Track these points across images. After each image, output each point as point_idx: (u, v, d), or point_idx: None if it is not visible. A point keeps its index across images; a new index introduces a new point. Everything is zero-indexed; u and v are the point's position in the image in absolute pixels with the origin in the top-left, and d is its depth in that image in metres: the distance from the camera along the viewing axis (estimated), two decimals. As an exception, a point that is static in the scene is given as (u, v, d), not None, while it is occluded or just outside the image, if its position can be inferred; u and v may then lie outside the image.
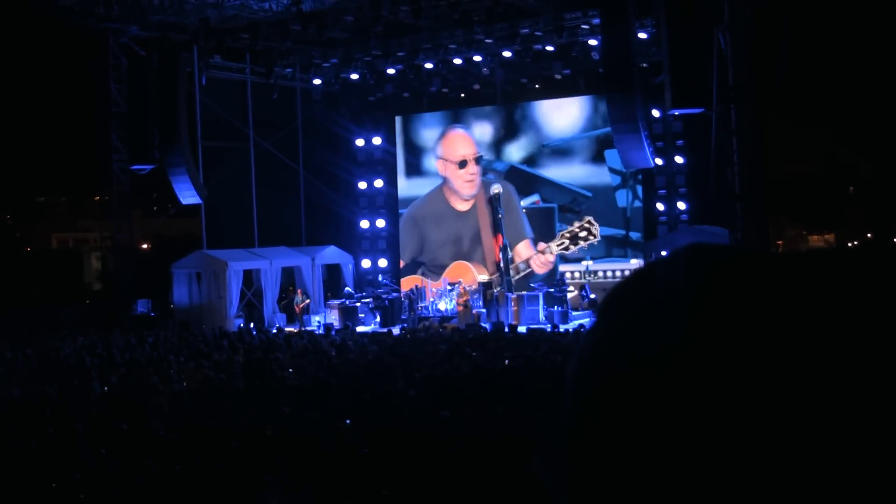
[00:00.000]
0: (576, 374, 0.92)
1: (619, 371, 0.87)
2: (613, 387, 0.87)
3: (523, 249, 31.16)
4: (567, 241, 28.48)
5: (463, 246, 30.88)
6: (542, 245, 28.97)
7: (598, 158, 32.72)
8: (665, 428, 0.82)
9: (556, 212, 32.36)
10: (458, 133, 31.58)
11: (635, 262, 31.50)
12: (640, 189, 32.14)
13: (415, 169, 35.67)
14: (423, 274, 32.31)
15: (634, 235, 32.14)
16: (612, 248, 32.29)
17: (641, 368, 0.85)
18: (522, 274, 29.72)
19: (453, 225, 31.25)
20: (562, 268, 31.37)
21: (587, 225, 28.20)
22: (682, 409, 0.82)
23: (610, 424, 0.86)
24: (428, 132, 35.42)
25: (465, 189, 31.31)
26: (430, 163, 34.98)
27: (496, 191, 30.23)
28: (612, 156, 31.98)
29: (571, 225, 29.86)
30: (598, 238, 28.49)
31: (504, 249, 29.64)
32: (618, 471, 0.85)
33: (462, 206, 31.69)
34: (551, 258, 28.85)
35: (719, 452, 0.80)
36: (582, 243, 28.34)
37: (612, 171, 32.36)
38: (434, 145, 32.44)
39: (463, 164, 30.59)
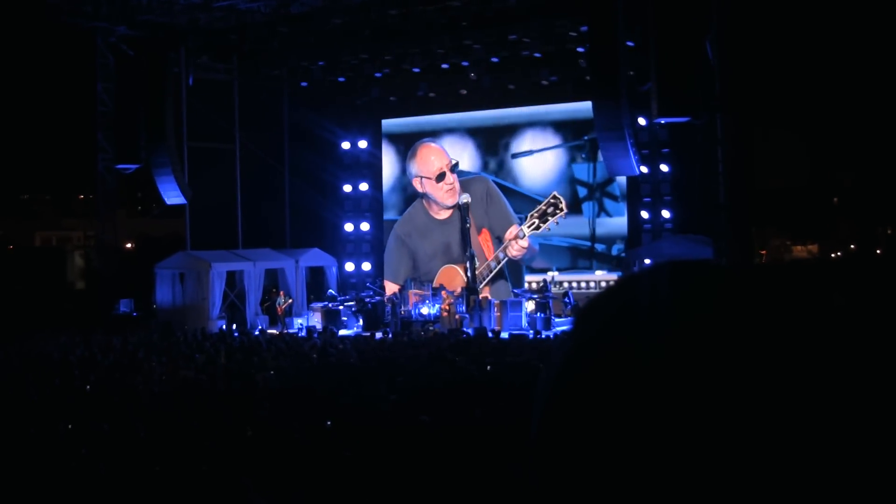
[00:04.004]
0: (549, 375, 0.93)
1: (595, 373, 0.89)
2: (587, 388, 0.88)
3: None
4: (536, 220, 28.54)
5: (453, 253, 30.80)
6: (513, 230, 29.01)
7: (565, 170, 32.93)
8: (640, 428, 0.83)
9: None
10: (428, 147, 31.35)
11: (600, 274, 31.70)
12: (605, 201, 32.40)
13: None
14: (417, 287, 32.22)
15: (600, 247, 32.38)
16: (577, 259, 32.54)
17: (619, 372, 0.87)
18: (502, 264, 29.77)
19: (439, 235, 31.15)
20: (527, 278, 31.49)
21: (553, 201, 28.24)
22: (658, 411, 0.83)
23: (582, 424, 0.87)
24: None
25: (446, 199, 31.21)
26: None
27: (465, 201, 30.19)
28: (578, 168, 32.34)
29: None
30: (566, 212, 28.53)
31: (472, 258, 29.60)
32: (588, 473, 0.86)
33: (443, 215, 31.61)
34: (524, 243, 28.89)
35: (694, 454, 0.81)
36: (551, 219, 28.39)
37: (578, 182, 32.61)
38: (406, 163, 32.34)
39: (441, 176, 30.44)
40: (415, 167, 30.92)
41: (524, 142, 33.90)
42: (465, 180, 31.79)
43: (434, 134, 34.19)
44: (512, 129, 34.08)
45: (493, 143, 34.17)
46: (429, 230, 31.44)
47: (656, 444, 0.83)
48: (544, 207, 28.39)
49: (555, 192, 28.56)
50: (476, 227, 30.67)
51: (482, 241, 30.53)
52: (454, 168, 30.71)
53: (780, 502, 0.80)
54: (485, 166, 33.97)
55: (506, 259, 29.29)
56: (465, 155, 33.44)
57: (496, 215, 30.66)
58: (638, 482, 0.83)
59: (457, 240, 30.83)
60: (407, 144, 34.48)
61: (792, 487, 0.80)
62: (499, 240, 29.68)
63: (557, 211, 28.07)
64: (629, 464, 0.84)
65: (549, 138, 33.49)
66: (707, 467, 0.81)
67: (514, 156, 33.73)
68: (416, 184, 31.16)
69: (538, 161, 33.57)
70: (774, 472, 0.80)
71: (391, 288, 31.84)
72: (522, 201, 32.46)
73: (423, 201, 31.69)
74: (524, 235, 28.58)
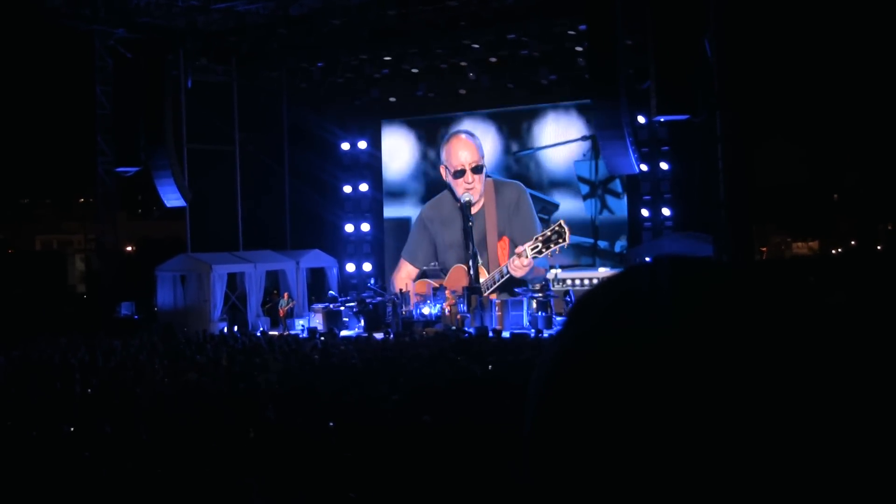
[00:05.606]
0: (544, 369, 0.93)
1: (591, 367, 0.88)
2: (583, 382, 0.88)
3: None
4: (540, 245, 28.45)
5: (469, 248, 30.82)
6: (518, 248, 28.90)
7: (567, 167, 32.94)
8: (637, 423, 0.83)
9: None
10: (460, 139, 31.20)
11: (603, 271, 31.61)
12: (608, 198, 32.36)
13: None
14: (434, 277, 32.07)
15: (602, 244, 32.35)
16: (580, 256, 32.49)
17: (615, 366, 0.86)
18: (503, 280, 29.61)
19: (460, 225, 31.06)
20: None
21: (558, 228, 28.15)
22: (655, 406, 0.83)
23: (578, 419, 0.87)
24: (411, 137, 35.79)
25: (464, 197, 31.22)
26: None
27: (466, 199, 30.10)
28: (580, 165, 32.34)
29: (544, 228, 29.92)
30: (568, 242, 28.44)
31: (474, 256, 29.53)
32: (583, 468, 0.86)
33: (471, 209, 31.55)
34: (527, 261, 28.79)
35: (691, 450, 0.81)
36: (553, 247, 28.32)
37: (580, 179, 32.59)
38: (439, 149, 32.43)
39: (459, 173, 30.36)
40: (443, 155, 31.13)
41: (525, 140, 33.88)
42: (501, 183, 31.78)
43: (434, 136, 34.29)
44: (512, 128, 34.05)
45: (494, 141, 34.10)
46: (452, 219, 31.41)
47: (653, 439, 0.83)
48: (549, 233, 28.36)
49: (561, 221, 28.50)
50: (497, 233, 30.64)
51: (500, 248, 30.48)
52: (477, 170, 30.63)
53: (779, 501, 0.80)
54: (486, 165, 33.88)
55: (508, 275, 29.24)
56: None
57: (519, 225, 30.53)
58: (634, 478, 0.83)
59: (476, 238, 30.62)
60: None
61: (792, 486, 0.80)
62: (475, 256, 29.73)
63: (560, 240, 28.02)
64: (625, 459, 0.84)
65: (550, 136, 33.45)
66: (704, 464, 0.81)
67: (517, 154, 33.73)
68: (442, 171, 31.31)
69: (540, 159, 33.55)
70: (773, 470, 0.80)
71: (407, 269, 31.83)
72: None
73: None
74: (527, 256, 28.56)
